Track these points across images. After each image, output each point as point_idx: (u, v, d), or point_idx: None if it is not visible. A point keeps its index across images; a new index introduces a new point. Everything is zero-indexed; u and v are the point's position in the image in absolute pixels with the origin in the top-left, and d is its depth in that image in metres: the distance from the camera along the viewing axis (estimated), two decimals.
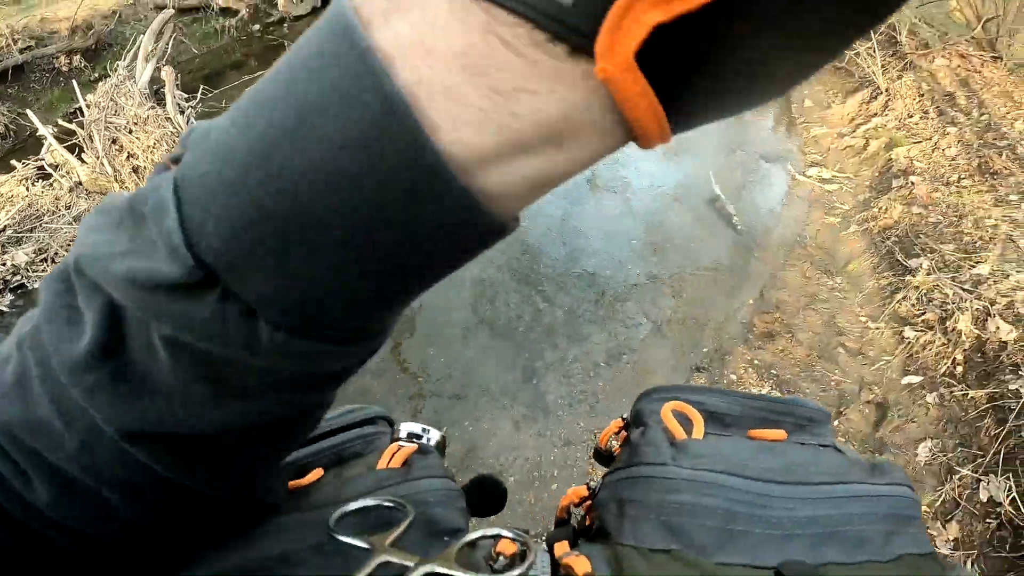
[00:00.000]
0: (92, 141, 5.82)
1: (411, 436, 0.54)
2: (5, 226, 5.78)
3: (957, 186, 5.47)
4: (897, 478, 0.45)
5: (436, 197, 0.23)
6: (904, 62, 7.64)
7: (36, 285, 5.32)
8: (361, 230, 0.24)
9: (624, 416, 0.61)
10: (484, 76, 0.21)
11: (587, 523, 0.54)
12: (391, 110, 0.21)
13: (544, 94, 0.21)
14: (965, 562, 3.06)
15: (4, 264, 5.44)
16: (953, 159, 5.85)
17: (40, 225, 5.83)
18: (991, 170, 5.49)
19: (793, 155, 6.97)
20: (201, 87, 7.13)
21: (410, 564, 0.34)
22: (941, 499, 3.39)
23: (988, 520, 3.22)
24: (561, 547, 0.45)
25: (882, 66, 7.60)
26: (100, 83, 6.30)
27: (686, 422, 0.49)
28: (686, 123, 0.25)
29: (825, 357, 4.39)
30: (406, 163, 0.22)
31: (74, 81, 6.63)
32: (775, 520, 0.40)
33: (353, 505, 0.39)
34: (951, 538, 3.22)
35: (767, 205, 6.16)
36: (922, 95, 6.99)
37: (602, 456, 0.60)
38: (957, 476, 3.44)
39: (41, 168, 6.39)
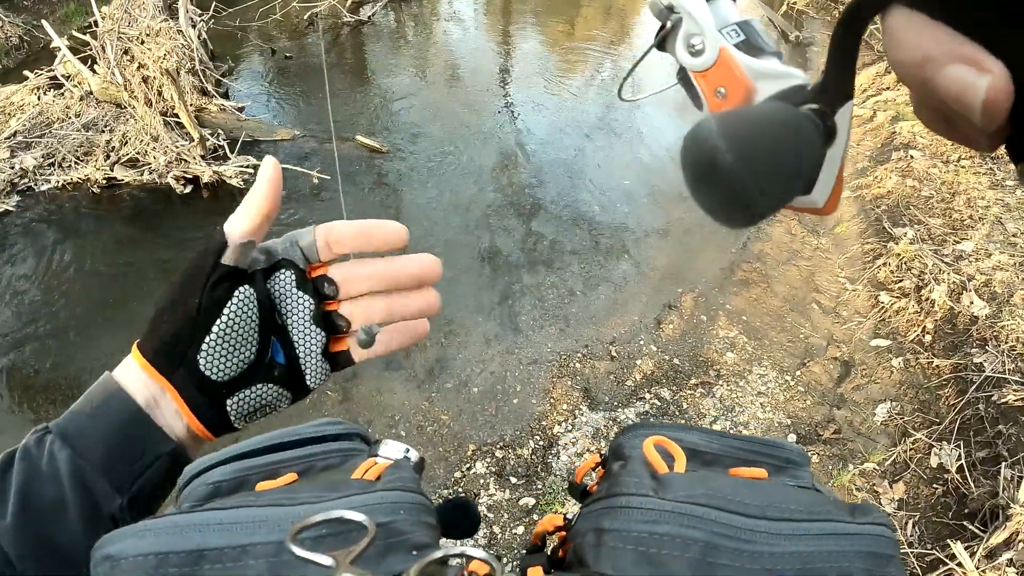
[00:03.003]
0: (104, 51, 5.87)
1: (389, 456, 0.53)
2: (16, 132, 5.89)
3: (956, 165, 5.47)
4: (877, 518, 0.43)
5: None
6: None
7: (43, 188, 5.43)
8: None
9: (601, 452, 0.59)
10: None
11: (560, 555, 0.53)
12: None
13: None
14: (907, 523, 3.18)
15: (13, 167, 5.53)
16: None
17: (50, 132, 5.92)
18: (993, 154, 5.48)
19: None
20: (215, 4, 7.15)
21: None
22: (892, 459, 3.50)
23: (935, 485, 3.32)
24: (535, 572, 0.45)
25: None
26: None
27: (668, 457, 0.49)
28: None
29: (798, 311, 4.46)
30: None
31: None
32: (756, 554, 0.40)
33: (316, 517, 0.38)
34: (896, 498, 3.33)
35: None
36: None
37: (576, 491, 0.57)
38: (911, 439, 3.54)
39: (53, 79, 6.47)
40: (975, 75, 0.23)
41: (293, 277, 0.55)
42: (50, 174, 5.57)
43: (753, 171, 0.31)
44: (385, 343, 0.59)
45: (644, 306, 4.43)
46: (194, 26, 6.16)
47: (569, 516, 0.55)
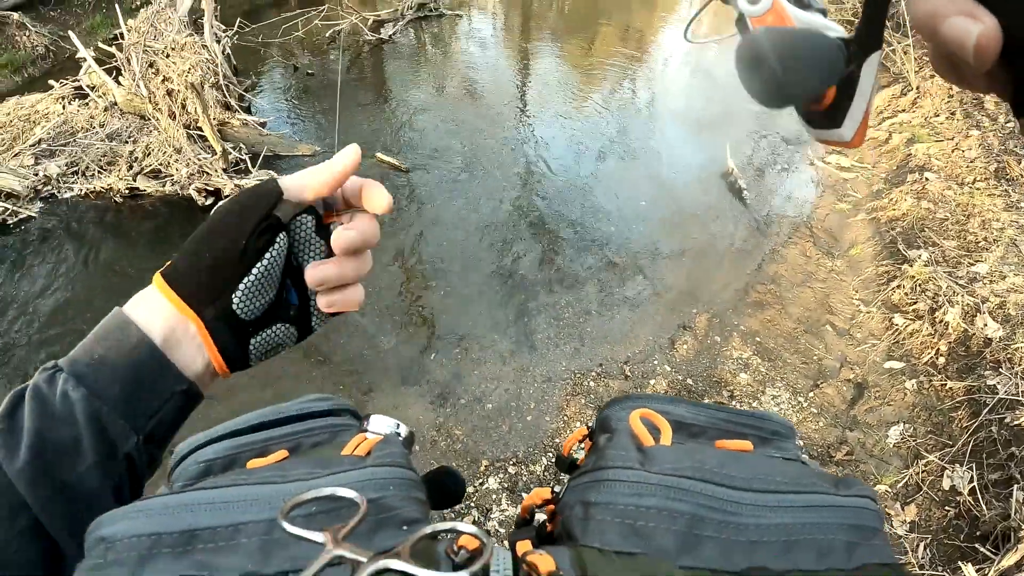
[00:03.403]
0: (130, 64, 5.97)
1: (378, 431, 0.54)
2: (40, 139, 5.99)
3: (971, 187, 5.46)
4: (861, 491, 0.44)
5: None
6: None
7: (66, 195, 5.52)
8: None
9: (588, 424, 0.59)
10: None
11: (548, 529, 0.54)
12: None
13: None
14: (918, 545, 3.16)
15: (36, 174, 5.62)
16: (972, 161, 5.84)
17: (74, 140, 6.01)
18: (1008, 176, 5.47)
19: (816, 142, 6.93)
20: (239, 20, 7.26)
21: (363, 560, 0.33)
22: (904, 481, 3.48)
23: (947, 507, 3.31)
24: (524, 546, 0.44)
25: (916, 64, 7.56)
26: (142, 9, 6.45)
27: (654, 430, 0.49)
28: None
29: (812, 332, 4.45)
30: None
31: (117, 6, 6.79)
32: (742, 526, 0.40)
33: (306, 494, 0.38)
34: (908, 520, 3.31)
35: (782, 185, 6.22)
36: (951, 96, 6.94)
37: (564, 464, 0.59)
38: (923, 462, 3.53)
39: (79, 88, 6.58)
40: (971, 24, 0.29)
41: (313, 222, 0.56)
42: (73, 182, 5.66)
43: (786, 65, 0.41)
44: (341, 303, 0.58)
45: (659, 326, 4.45)
46: (218, 41, 6.25)
47: (557, 489, 0.56)
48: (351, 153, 0.53)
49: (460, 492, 0.57)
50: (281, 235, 0.52)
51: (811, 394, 4.03)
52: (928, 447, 3.63)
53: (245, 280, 0.51)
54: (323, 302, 0.57)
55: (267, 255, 0.51)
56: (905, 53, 7.61)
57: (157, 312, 0.51)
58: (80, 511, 0.45)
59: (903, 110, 7.10)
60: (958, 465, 3.44)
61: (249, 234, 0.50)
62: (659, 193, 5.93)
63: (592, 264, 4.98)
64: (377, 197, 0.56)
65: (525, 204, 5.60)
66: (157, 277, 0.51)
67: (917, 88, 7.30)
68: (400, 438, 0.52)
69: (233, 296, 0.51)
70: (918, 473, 3.50)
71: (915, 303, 4.46)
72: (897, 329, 4.36)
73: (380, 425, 0.53)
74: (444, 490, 0.54)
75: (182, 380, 0.52)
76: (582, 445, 0.58)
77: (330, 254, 0.56)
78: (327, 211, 0.57)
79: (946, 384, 3.91)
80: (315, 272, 0.55)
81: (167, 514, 0.38)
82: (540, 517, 0.57)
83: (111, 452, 0.48)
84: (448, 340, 4.26)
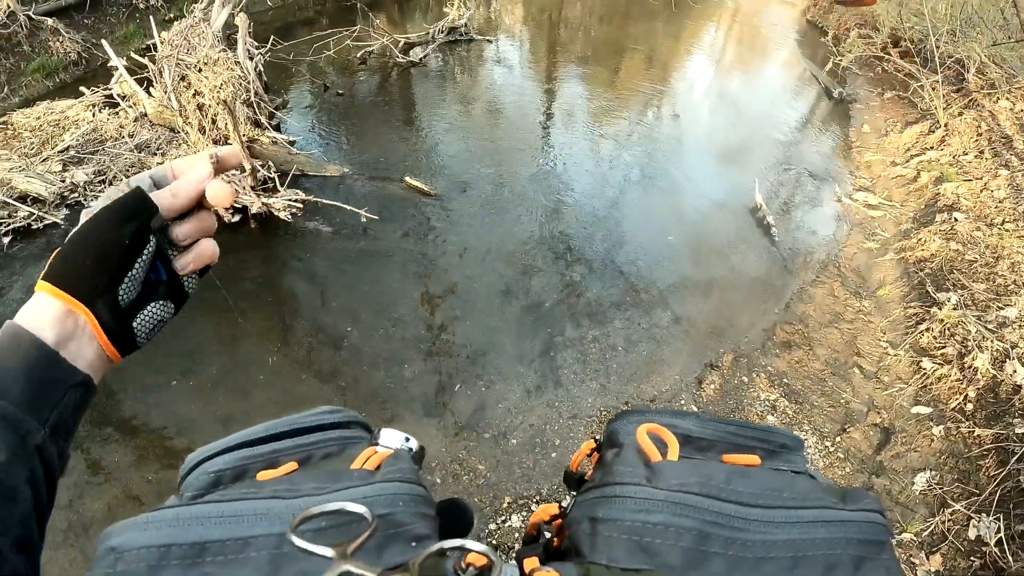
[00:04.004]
0: (162, 76, 6.01)
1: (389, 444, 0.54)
2: (69, 146, 6.02)
3: (1000, 228, 5.42)
4: (869, 505, 0.44)
5: None
6: (967, 99, 7.54)
7: (92, 204, 5.52)
8: None
9: (596, 438, 0.59)
10: None
11: (555, 544, 0.55)
12: None
13: None
14: None
15: (64, 180, 5.65)
16: (1000, 201, 5.80)
17: (103, 149, 6.04)
18: None
19: (843, 177, 6.96)
20: (272, 38, 7.29)
21: (372, 575, 0.33)
22: (930, 530, 3.43)
23: (972, 558, 3.25)
24: (531, 563, 0.45)
25: (945, 101, 7.52)
26: (175, 22, 6.50)
27: (661, 444, 0.49)
28: None
29: (839, 375, 4.41)
30: None
31: (151, 17, 6.86)
32: (749, 543, 0.40)
33: (316, 509, 0.38)
34: (933, 570, 3.26)
35: (808, 222, 6.19)
36: (980, 134, 6.91)
37: (572, 479, 0.60)
38: (949, 510, 3.47)
39: (109, 97, 6.63)
40: None
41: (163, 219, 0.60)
42: (100, 191, 5.67)
43: None
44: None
45: (685, 364, 4.41)
46: (251, 58, 6.28)
47: (564, 503, 0.56)
48: (204, 167, 0.60)
49: (468, 526, 0.57)
50: (153, 237, 0.58)
51: (838, 438, 3.98)
52: (954, 495, 3.57)
53: (128, 275, 0.56)
54: (188, 261, 0.63)
55: (144, 253, 0.57)
56: (933, 89, 7.58)
57: (46, 312, 0.54)
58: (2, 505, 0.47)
59: (931, 147, 7.06)
60: (984, 515, 3.39)
61: (132, 238, 0.55)
62: (686, 227, 5.91)
63: (618, 298, 4.95)
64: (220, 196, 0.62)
65: (551, 234, 5.59)
66: (42, 283, 0.55)
67: (945, 125, 7.26)
68: (410, 452, 0.54)
69: (119, 289, 0.56)
70: (944, 522, 3.44)
71: (944, 347, 4.41)
72: (925, 373, 4.31)
73: (390, 439, 0.54)
74: (451, 523, 0.54)
75: (77, 373, 0.55)
76: (589, 459, 0.58)
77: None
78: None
79: (974, 431, 3.86)
80: (180, 229, 0.61)
81: (177, 526, 0.39)
82: (549, 535, 0.58)
83: (22, 444, 0.49)
84: (472, 371, 4.23)
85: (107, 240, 0.55)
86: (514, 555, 0.53)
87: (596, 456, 0.57)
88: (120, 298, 0.56)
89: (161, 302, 0.60)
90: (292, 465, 0.50)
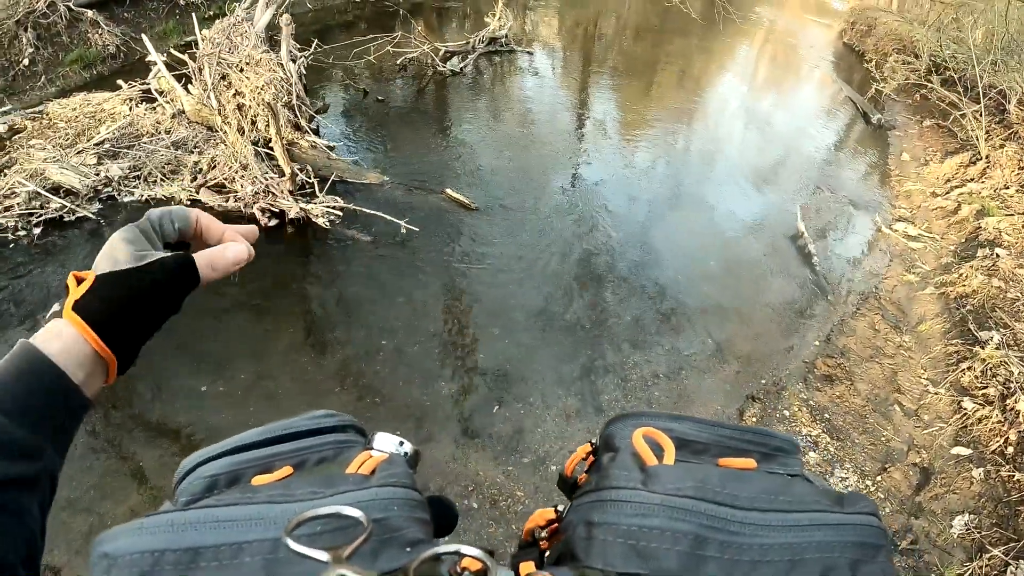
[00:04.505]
0: (201, 73, 6.00)
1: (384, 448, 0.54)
2: (104, 139, 6.02)
3: None
4: (865, 507, 0.44)
5: None
6: (1010, 131, 7.45)
7: (126, 199, 5.53)
8: None
9: (592, 441, 0.59)
10: None
11: (543, 547, 0.55)
12: None
13: None
14: None
15: (98, 174, 5.64)
16: None
17: (138, 144, 6.04)
18: None
19: (882, 206, 6.88)
20: (315, 42, 7.27)
21: None
22: (967, 574, 3.38)
23: None
24: (527, 567, 0.45)
25: (986, 132, 7.44)
26: (217, 20, 6.49)
27: (657, 448, 0.49)
28: None
29: (880, 412, 4.34)
30: None
31: (193, 15, 6.85)
32: (745, 546, 0.40)
33: (311, 513, 0.39)
34: None
35: (848, 251, 6.12)
36: (1022, 168, 6.83)
37: (567, 484, 0.59)
38: (987, 555, 3.42)
39: (147, 92, 6.63)
40: None
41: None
42: (134, 186, 5.67)
43: None
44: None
45: (727, 395, 4.35)
46: (294, 60, 6.26)
47: (560, 509, 0.56)
48: (246, 254, 0.67)
49: (452, 524, 0.56)
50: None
51: (879, 477, 3.93)
52: (993, 540, 3.52)
53: (154, 332, 0.61)
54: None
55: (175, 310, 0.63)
56: (976, 120, 7.49)
57: (77, 352, 0.56)
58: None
59: (972, 179, 6.99)
60: (1023, 562, 3.34)
61: (176, 310, 0.62)
62: (726, 251, 5.87)
63: (659, 323, 4.90)
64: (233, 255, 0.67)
65: (589, 254, 5.55)
66: (74, 315, 0.56)
67: (987, 157, 7.18)
68: (405, 456, 0.53)
69: (146, 342, 0.61)
70: (982, 567, 3.39)
71: (985, 387, 4.35)
72: (966, 413, 4.25)
73: (385, 443, 0.54)
74: (436, 521, 0.52)
75: (85, 401, 0.57)
76: (585, 463, 0.58)
77: None
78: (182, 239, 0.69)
79: (1014, 475, 3.80)
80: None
81: (171, 531, 0.39)
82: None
83: (35, 467, 0.51)
84: (510, 392, 4.18)
85: (158, 306, 0.60)
86: (510, 559, 0.53)
87: (592, 460, 0.57)
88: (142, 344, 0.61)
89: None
90: (287, 470, 0.49)
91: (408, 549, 0.41)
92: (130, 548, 0.38)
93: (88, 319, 0.56)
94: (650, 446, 0.49)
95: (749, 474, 0.49)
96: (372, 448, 0.52)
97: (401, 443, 0.53)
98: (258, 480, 0.48)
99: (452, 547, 0.38)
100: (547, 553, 0.54)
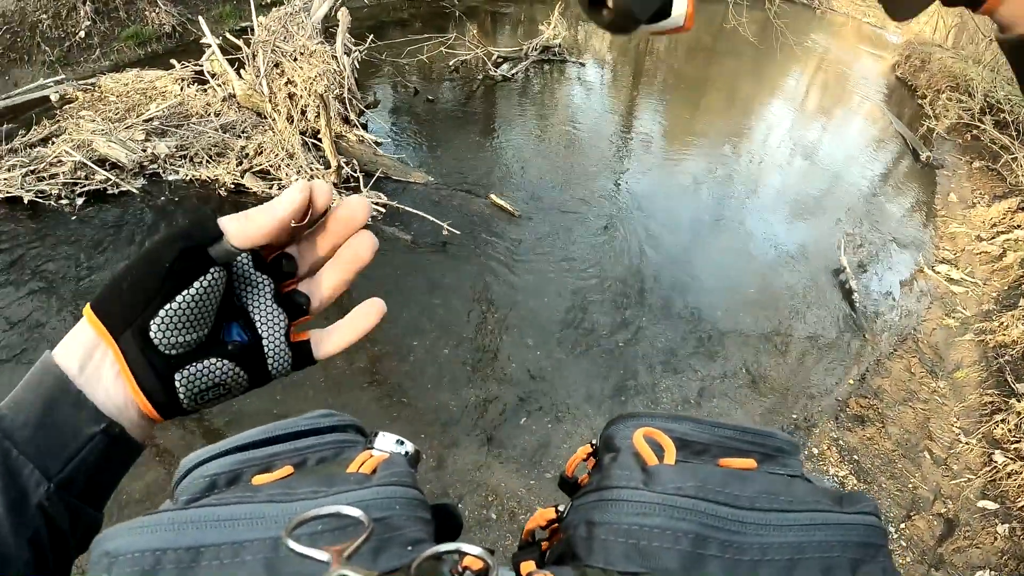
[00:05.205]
0: (255, 59, 6.07)
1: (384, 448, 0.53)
2: (153, 117, 6.10)
3: None
4: (865, 507, 0.44)
5: None
6: None
7: (170, 178, 5.59)
8: None
9: (593, 442, 0.59)
10: None
11: (543, 547, 0.55)
12: None
13: None
14: None
15: (145, 150, 5.71)
16: None
17: (187, 124, 6.11)
18: None
19: (926, 246, 6.78)
20: (371, 38, 7.31)
21: None
22: None
23: None
24: (527, 566, 0.45)
25: None
26: (274, 8, 6.56)
27: (657, 448, 0.49)
28: None
29: (909, 457, 4.28)
30: None
31: (251, 1, 6.92)
32: (746, 546, 0.41)
33: (311, 512, 0.38)
34: None
35: (887, 289, 6.02)
36: None
37: (568, 484, 0.60)
38: None
39: (199, 73, 6.72)
40: None
41: (250, 258, 0.52)
42: (180, 166, 5.73)
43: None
44: (332, 286, 0.57)
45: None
46: (348, 54, 6.30)
47: (561, 508, 0.55)
48: (295, 195, 0.49)
49: (457, 529, 0.55)
50: (215, 269, 0.48)
51: (902, 525, 3.88)
52: None
53: (167, 307, 0.47)
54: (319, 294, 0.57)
55: (196, 285, 0.48)
56: None
57: (78, 341, 0.48)
58: None
59: (1019, 225, 6.84)
60: None
61: (174, 259, 0.47)
62: (767, 282, 5.81)
63: (693, 348, 4.86)
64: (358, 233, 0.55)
65: (628, 273, 5.53)
66: (87, 307, 0.48)
67: None
68: (406, 456, 0.52)
69: (151, 322, 0.47)
70: None
71: (1018, 441, 4.29)
72: (996, 467, 4.19)
73: (386, 443, 0.53)
74: (441, 526, 0.52)
75: (100, 418, 0.48)
76: (586, 463, 0.58)
77: (278, 290, 0.54)
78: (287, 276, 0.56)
79: None
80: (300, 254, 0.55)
81: (172, 530, 0.39)
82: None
83: (21, 500, 0.45)
84: (538, 404, 4.17)
85: (149, 258, 0.47)
86: (510, 559, 0.53)
87: (592, 461, 0.57)
88: (155, 336, 0.47)
89: (225, 361, 0.51)
90: (287, 469, 0.48)
91: (409, 548, 0.41)
92: (131, 547, 0.38)
93: (91, 302, 0.49)
94: (651, 446, 0.49)
95: (750, 474, 0.49)
96: (373, 448, 0.52)
97: (401, 443, 0.53)
98: (258, 479, 0.48)
99: (453, 546, 0.38)
100: (548, 552, 0.54)
